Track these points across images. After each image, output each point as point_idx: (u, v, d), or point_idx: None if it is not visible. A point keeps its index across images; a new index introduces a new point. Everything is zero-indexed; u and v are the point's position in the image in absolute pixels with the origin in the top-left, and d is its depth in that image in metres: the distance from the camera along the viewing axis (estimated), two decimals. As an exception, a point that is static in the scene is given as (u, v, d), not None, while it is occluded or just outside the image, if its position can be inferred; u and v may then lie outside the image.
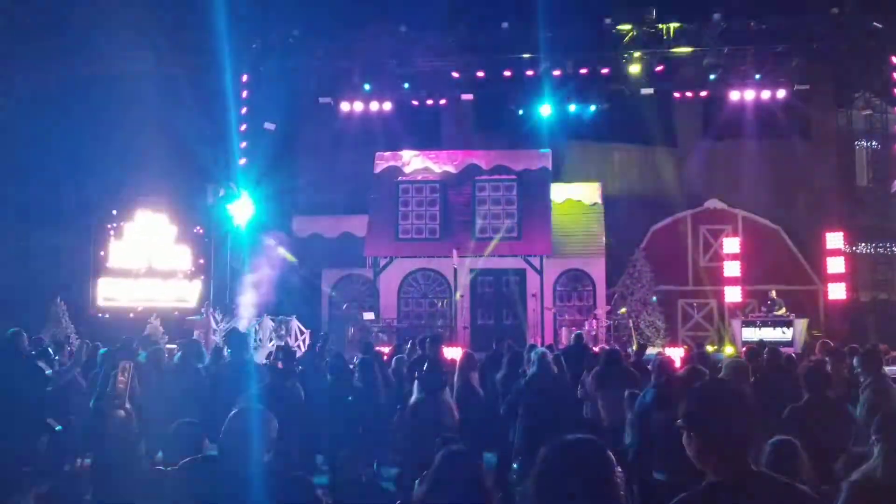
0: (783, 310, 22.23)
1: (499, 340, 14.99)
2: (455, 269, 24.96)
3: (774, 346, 11.54)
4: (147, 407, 8.36)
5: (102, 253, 23.50)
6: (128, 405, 8.01)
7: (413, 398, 8.50)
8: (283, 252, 24.00)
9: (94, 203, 23.85)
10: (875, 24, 24.53)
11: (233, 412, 4.12)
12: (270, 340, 21.74)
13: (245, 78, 26.26)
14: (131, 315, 22.56)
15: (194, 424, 7.18)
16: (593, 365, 11.32)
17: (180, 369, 9.87)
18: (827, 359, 11.17)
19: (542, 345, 17.47)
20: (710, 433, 2.96)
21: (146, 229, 23.74)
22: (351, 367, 11.62)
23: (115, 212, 23.70)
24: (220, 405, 8.33)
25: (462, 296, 25.05)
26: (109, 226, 23.68)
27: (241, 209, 25.17)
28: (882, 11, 24.60)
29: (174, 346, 15.29)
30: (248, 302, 22.17)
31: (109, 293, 23.36)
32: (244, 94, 26.26)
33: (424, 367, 9.10)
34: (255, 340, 21.26)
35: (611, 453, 2.81)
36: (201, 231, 24.86)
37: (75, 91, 24.27)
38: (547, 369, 9.60)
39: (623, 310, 24.36)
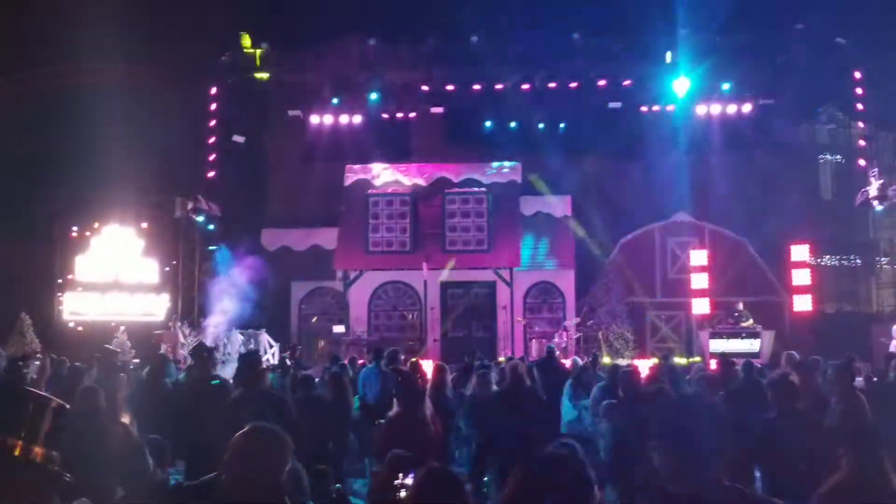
0: (750, 321, 22.42)
1: (470, 353, 15.01)
2: (425, 282, 24.96)
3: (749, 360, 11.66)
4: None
5: (69, 266, 23.26)
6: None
7: (392, 411, 8.48)
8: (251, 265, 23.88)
9: (60, 216, 23.64)
10: (839, 39, 24.94)
11: (243, 430, 3.79)
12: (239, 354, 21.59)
13: (214, 90, 26.14)
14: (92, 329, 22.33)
15: (161, 441, 7.14)
16: (564, 377, 11.39)
17: (147, 385, 9.78)
18: (792, 371, 11.28)
19: (513, 357, 17.51)
20: (677, 446, 2.97)
21: (113, 242, 23.51)
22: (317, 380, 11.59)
23: (79, 226, 23.48)
24: (187, 421, 8.29)
25: (433, 309, 25.05)
26: (74, 235, 23.44)
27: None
28: (846, 27, 25.02)
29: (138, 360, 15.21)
30: (216, 315, 22.03)
31: (76, 307, 23.11)
32: (213, 106, 26.14)
33: (399, 381, 9.07)
34: (224, 354, 21.12)
35: (589, 467, 2.80)
36: (169, 244, 24.68)
37: (42, 103, 24.09)
38: (520, 381, 9.63)
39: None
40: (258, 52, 26.31)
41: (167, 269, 24.67)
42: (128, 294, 23.47)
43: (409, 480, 4.52)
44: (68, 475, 2.88)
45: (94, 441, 6.17)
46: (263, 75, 26.68)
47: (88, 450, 5.07)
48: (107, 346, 12.15)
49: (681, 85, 25.79)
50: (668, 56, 25.56)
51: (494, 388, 10.12)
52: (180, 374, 12.31)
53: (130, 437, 7.30)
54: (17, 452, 2.78)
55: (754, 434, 6.84)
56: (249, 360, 8.30)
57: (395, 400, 8.55)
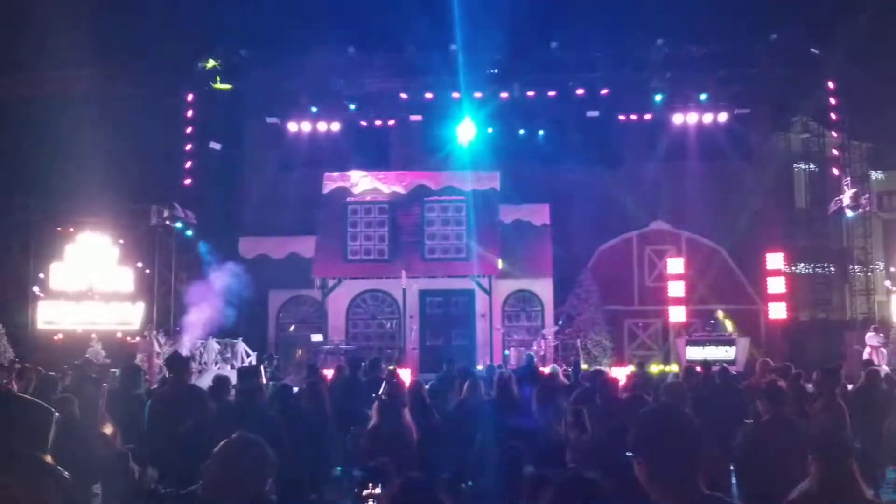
0: (728, 329, 22.55)
1: (449, 362, 14.98)
2: (404, 290, 24.94)
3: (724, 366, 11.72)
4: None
5: (43, 275, 23.05)
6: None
7: (372, 421, 8.46)
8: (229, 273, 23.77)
9: (34, 224, 23.43)
10: (813, 49, 25.19)
11: (227, 441, 3.76)
12: (216, 363, 21.47)
13: (191, 97, 26.01)
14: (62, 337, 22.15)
15: (132, 450, 7.09)
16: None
17: (119, 394, 9.67)
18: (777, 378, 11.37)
19: (493, 364, 17.51)
20: (655, 458, 2.98)
21: (88, 251, 23.31)
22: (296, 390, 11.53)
23: (54, 234, 23.27)
24: (161, 432, 8.22)
25: (411, 317, 25.04)
26: (48, 243, 23.24)
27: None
28: (819, 38, 25.27)
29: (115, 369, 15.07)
30: (192, 324, 21.89)
31: (50, 316, 22.88)
32: (189, 113, 26.01)
33: (381, 390, 9.05)
34: (200, 363, 20.99)
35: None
36: (144, 252, 24.51)
37: (16, 111, 23.88)
38: (509, 392, 9.63)
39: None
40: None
41: (143, 277, 24.49)
42: (103, 303, 23.27)
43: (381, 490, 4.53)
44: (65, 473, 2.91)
45: (71, 450, 6.11)
46: (225, 86, 26.42)
47: (65, 459, 5.02)
48: (84, 357, 12.08)
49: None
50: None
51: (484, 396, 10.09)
52: (154, 384, 12.23)
53: (111, 447, 7.26)
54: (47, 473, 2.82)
55: (744, 440, 6.88)
56: (248, 372, 8.23)
57: (374, 409, 8.54)
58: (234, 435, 3.75)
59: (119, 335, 22.76)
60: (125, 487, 6.57)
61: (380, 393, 9.10)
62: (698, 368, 11.61)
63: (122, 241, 23.93)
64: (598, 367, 16.18)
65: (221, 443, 3.71)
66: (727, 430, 8.24)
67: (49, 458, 2.91)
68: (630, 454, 3.02)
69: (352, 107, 26.56)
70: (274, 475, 3.75)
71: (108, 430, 7.72)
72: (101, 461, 6.87)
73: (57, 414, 2.91)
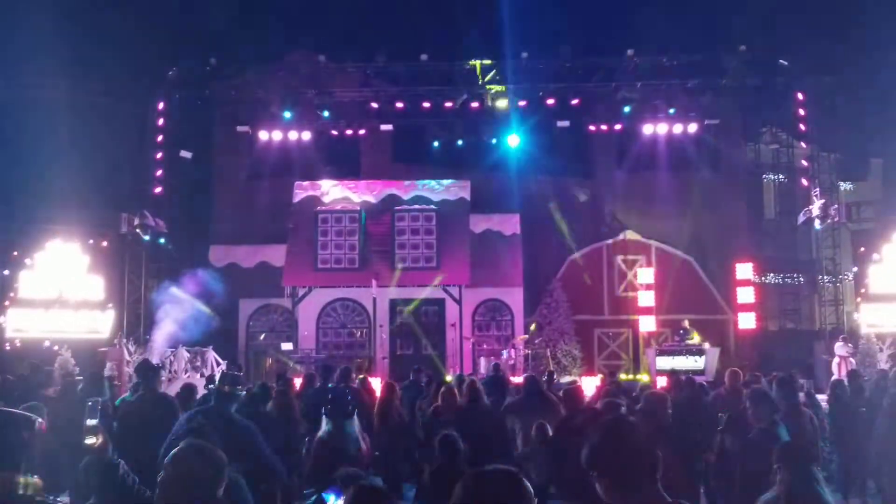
0: (695, 338, 22.67)
1: (416, 371, 14.99)
2: (374, 299, 24.91)
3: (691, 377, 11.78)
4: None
5: (12, 282, 22.79)
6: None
7: (321, 429, 8.45)
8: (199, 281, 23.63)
9: (3, 232, 23.19)
10: (782, 61, 25.44)
11: (178, 447, 3.77)
12: (186, 372, 21.34)
13: (161, 106, 25.85)
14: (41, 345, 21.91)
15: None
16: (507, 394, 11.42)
17: (82, 402, 9.59)
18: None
19: (462, 374, 17.53)
20: (613, 471, 2.98)
21: (57, 258, 23.06)
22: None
23: (23, 242, 23.02)
24: (130, 439, 8.15)
25: (381, 326, 25.01)
26: (17, 251, 23.00)
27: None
28: (788, 49, 25.57)
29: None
30: (162, 332, 21.73)
31: (19, 324, 22.60)
32: (160, 121, 25.84)
33: (330, 398, 9.04)
34: (170, 371, 20.86)
35: (529, 485, 2.78)
36: (114, 260, 24.30)
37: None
38: (478, 399, 9.64)
39: (532, 327, 24.61)
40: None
41: (113, 285, 24.25)
42: (72, 311, 23.00)
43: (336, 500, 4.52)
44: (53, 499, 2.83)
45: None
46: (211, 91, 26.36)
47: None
48: (30, 363, 11.96)
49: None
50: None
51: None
52: (125, 393, 12.10)
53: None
54: (19, 491, 2.73)
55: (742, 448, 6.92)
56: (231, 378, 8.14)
57: (324, 418, 8.55)
58: (183, 442, 3.75)
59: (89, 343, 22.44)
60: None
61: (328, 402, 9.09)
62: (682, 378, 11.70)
63: (91, 249, 23.70)
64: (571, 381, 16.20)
65: (173, 450, 3.71)
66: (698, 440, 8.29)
67: (20, 478, 2.82)
68: (588, 470, 3.03)
69: (326, 114, 26.43)
70: (224, 480, 3.72)
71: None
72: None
73: (40, 420, 2.83)
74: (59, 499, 7.39)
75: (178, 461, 3.67)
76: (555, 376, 17.70)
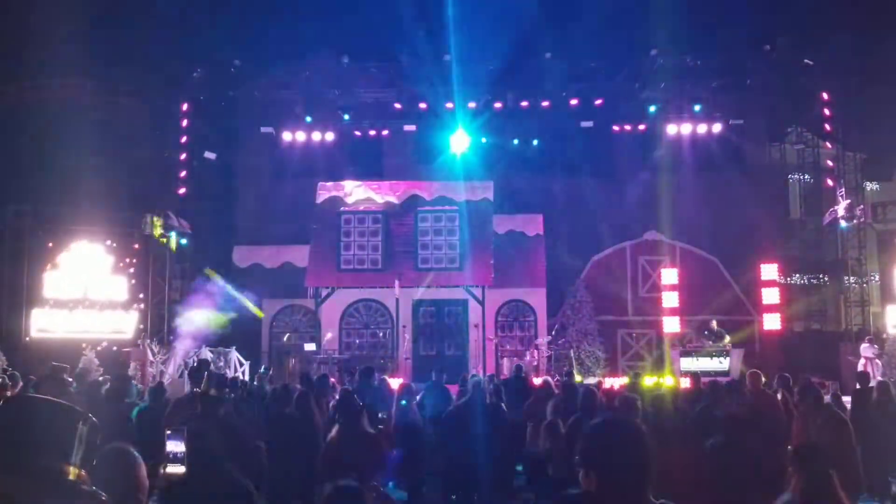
0: (727, 340, 22.45)
1: (438, 371, 14.98)
2: (397, 300, 24.93)
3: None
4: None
5: (37, 283, 23.01)
6: None
7: (332, 431, 8.49)
8: (222, 282, 23.78)
9: (28, 232, 23.38)
10: (807, 61, 25.25)
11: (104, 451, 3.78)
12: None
13: (185, 107, 26.04)
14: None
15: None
16: (530, 394, 11.41)
17: (106, 404, 9.65)
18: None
19: (484, 375, 17.50)
20: (605, 471, 2.96)
21: (82, 259, 23.31)
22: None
23: (48, 242, 23.22)
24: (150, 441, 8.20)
25: (404, 326, 25.02)
26: (42, 251, 23.19)
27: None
28: (813, 49, 25.33)
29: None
30: (186, 332, 21.86)
31: (44, 324, 22.84)
32: (184, 123, 26.03)
33: (338, 398, 9.08)
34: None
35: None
36: (139, 261, 24.47)
37: (11, 118, 23.90)
38: (481, 397, 9.65)
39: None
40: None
41: (136, 285, 24.43)
42: (96, 311, 23.26)
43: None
44: (103, 495, 2.84)
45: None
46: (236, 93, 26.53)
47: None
48: (54, 363, 12.02)
49: None
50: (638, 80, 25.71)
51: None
52: (145, 395, 12.19)
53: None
54: (71, 478, 2.74)
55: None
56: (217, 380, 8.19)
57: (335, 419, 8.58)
58: (106, 446, 3.73)
59: (105, 344, 22.58)
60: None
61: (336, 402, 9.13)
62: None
63: (116, 250, 23.86)
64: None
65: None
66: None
67: (72, 471, 2.81)
68: (578, 464, 3.01)
69: (346, 117, 26.54)
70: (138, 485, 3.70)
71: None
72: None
73: (91, 418, 2.82)
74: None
75: (98, 466, 3.65)
76: (574, 375, 17.68)
